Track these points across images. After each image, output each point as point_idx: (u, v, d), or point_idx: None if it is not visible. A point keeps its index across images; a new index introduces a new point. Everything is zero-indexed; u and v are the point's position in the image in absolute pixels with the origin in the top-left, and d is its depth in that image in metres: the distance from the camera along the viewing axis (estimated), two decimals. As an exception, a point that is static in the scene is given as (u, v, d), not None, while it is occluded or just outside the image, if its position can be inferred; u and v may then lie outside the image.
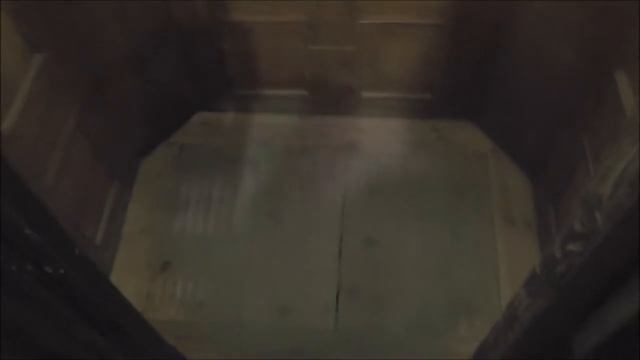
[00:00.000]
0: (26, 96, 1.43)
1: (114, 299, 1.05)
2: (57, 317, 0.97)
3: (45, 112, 1.51)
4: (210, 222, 1.94)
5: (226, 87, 2.10)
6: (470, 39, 1.82)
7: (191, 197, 1.99)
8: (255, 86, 2.10)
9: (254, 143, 2.11)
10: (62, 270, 0.87)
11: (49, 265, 0.85)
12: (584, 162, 1.57)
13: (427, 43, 1.87)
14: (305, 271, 1.84)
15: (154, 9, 1.76)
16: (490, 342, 1.01)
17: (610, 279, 0.62)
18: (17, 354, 0.95)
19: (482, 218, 1.92)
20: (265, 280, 1.83)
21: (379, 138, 2.11)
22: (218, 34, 1.88)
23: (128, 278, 1.83)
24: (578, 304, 0.67)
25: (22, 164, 1.41)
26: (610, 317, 0.66)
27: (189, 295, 1.81)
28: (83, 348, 0.99)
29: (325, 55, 1.93)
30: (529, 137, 1.93)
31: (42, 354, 0.97)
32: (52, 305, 0.93)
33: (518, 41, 1.72)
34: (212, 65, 2.01)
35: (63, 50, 1.58)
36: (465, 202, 1.95)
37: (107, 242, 1.84)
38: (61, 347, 1.02)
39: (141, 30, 1.78)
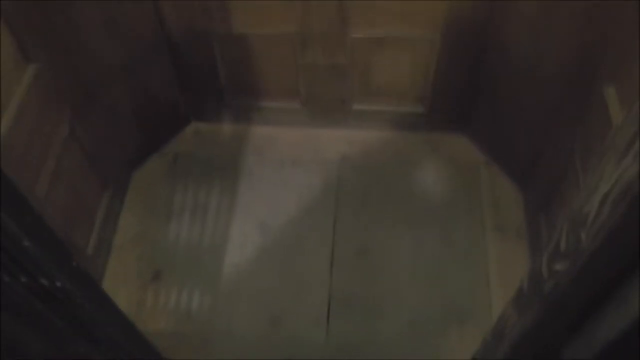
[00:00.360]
0: (19, 106, 1.43)
1: (110, 312, 1.06)
2: (50, 329, 0.97)
3: (37, 122, 1.52)
4: (202, 232, 1.95)
5: (219, 98, 2.11)
6: (460, 52, 1.85)
7: (183, 207, 2.00)
8: (248, 97, 2.11)
9: (247, 154, 2.12)
10: (58, 283, 0.87)
11: (45, 278, 0.86)
12: (573, 172, 1.59)
13: (418, 55, 1.89)
14: (296, 281, 1.85)
15: (146, 19, 1.77)
16: (480, 358, 1.03)
17: (596, 296, 0.64)
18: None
19: (473, 228, 1.94)
20: (256, 290, 1.84)
21: (371, 150, 2.13)
22: (210, 44, 1.90)
23: (119, 287, 1.83)
24: (565, 321, 0.69)
25: (14, 173, 1.42)
26: (598, 332, 0.68)
27: (180, 305, 1.81)
28: (76, 361, 0.99)
29: (317, 67, 1.95)
30: (520, 148, 1.95)
31: (35, 366, 0.97)
32: (45, 317, 0.94)
33: (507, 53, 1.74)
34: (205, 75, 2.02)
35: (55, 60, 1.59)
36: (457, 212, 1.97)
37: (98, 251, 1.84)
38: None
39: (133, 40, 1.79)
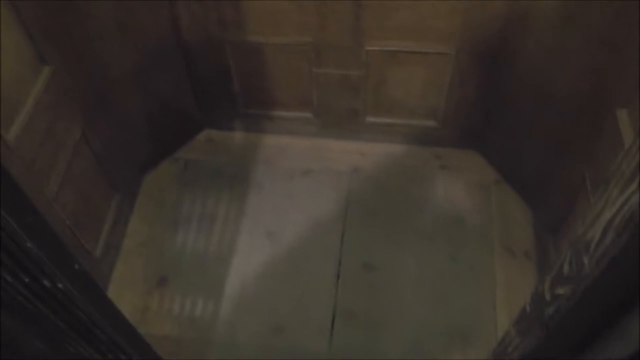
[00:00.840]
0: (33, 108, 1.45)
1: (111, 315, 1.06)
2: (51, 330, 0.98)
3: (50, 124, 1.53)
4: (210, 239, 1.95)
5: (232, 106, 2.12)
6: (474, 68, 1.84)
7: (192, 214, 2.01)
8: (261, 106, 2.12)
9: (258, 163, 2.12)
10: (60, 285, 0.88)
11: (47, 279, 0.86)
12: (584, 194, 1.58)
13: (432, 70, 1.89)
14: (302, 292, 1.84)
15: (161, 25, 1.79)
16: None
17: (599, 322, 0.63)
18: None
19: (481, 246, 1.92)
20: (261, 299, 1.84)
21: (382, 163, 2.12)
22: (224, 52, 1.91)
23: (125, 291, 1.84)
24: (567, 346, 0.68)
25: (25, 174, 1.43)
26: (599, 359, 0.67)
27: (184, 310, 1.82)
28: (75, 363, 1.00)
29: (330, 78, 1.95)
30: (531, 167, 1.94)
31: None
32: (46, 318, 0.94)
33: (520, 72, 1.74)
34: (219, 83, 2.03)
35: (70, 63, 1.61)
36: (465, 230, 1.96)
37: (106, 254, 1.85)
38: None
39: (147, 46, 1.81)
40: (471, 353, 1.73)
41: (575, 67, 1.55)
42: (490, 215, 1.99)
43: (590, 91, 1.54)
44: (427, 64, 1.86)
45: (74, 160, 1.64)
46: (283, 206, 2.02)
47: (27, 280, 0.84)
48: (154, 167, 2.12)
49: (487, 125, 2.01)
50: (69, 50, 1.59)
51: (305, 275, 1.88)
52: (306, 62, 1.91)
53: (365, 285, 1.86)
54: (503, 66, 1.78)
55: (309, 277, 1.87)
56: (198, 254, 1.92)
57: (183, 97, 2.06)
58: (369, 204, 2.02)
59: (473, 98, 1.95)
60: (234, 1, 1.74)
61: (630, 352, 0.56)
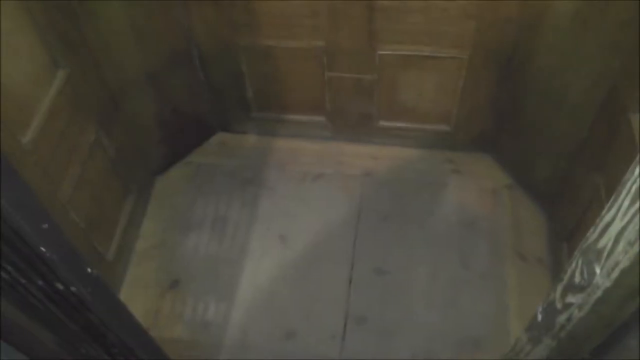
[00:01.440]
0: (47, 111, 1.46)
1: (123, 317, 1.07)
2: (64, 331, 0.99)
3: (64, 127, 1.55)
4: (222, 243, 1.96)
5: (245, 110, 2.13)
6: (487, 73, 1.83)
7: (205, 217, 2.02)
8: (274, 110, 2.13)
9: (271, 166, 2.13)
10: (73, 288, 0.88)
11: (61, 283, 0.87)
12: (598, 200, 1.56)
13: (445, 75, 1.88)
14: (314, 297, 1.84)
15: (174, 29, 1.80)
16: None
17: (609, 332, 0.62)
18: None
19: (493, 252, 1.91)
20: (272, 303, 1.84)
21: (394, 167, 2.12)
22: (237, 56, 1.92)
23: (137, 294, 1.85)
24: (577, 355, 0.67)
25: (40, 177, 1.45)
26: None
27: (196, 314, 1.82)
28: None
29: (343, 82, 1.95)
30: (544, 172, 1.92)
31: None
32: (60, 320, 0.95)
33: (531, 74, 1.73)
34: (232, 86, 2.04)
35: (84, 67, 1.62)
36: (477, 235, 1.95)
37: (119, 257, 1.86)
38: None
39: (160, 50, 1.82)
40: (483, 359, 1.71)
41: (588, 71, 1.54)
42: (503, 221, 1.98)
43: (604, 96, 1.53)
44: (440, 68, 1.86)
45: (88, 163, 1.66)
46: (295, 210, 2.02)
47: (40, 283, 0.86)
48: (166, 170, 2.13)
49: (500, 129, 2.00)
50: (83, 54, 1.60)
51: (317, 279, 1.88)
52: (319, 66, 1.91)
53: (377, 290, 1.85)
54: (515, 70, 1.77)
55: (321, 281, 1.87)
56: (210, 257, 1.93)
57: (196, 101, 2.07)
58: (381, 209, 2.02)
59: (485, 102, 1.94)
60: (247, 5, 1.75)
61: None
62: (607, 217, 0.58)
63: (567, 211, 1.79)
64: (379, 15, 1.71)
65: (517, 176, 2.05)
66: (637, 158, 0.53)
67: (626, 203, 0.54)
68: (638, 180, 0.52)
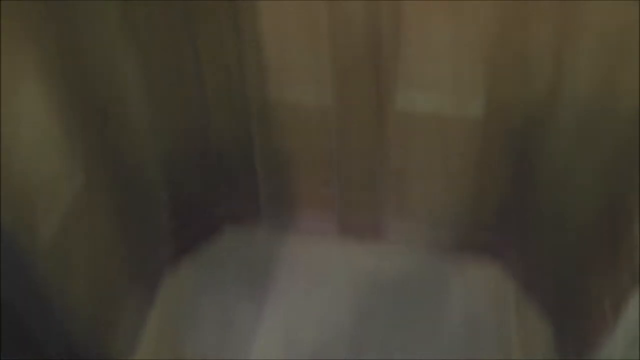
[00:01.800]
0: (68, 211, 1.48)
1: None
2: None
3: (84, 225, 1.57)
4: (225, 347, 1.93)
5: (257, 205, 2.16)
6: (494, 172, 1.87)
7: (208, 317, 1.99)
8: (287, 207, 2.16)
9: (281, 265, 2.13)
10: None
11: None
12: (603, 320, 1.54)
13: (452, 179, 1.92)
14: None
15: (191, 127, 1.87)
16: None
17: None
18: None
19: (499, 360, 1.88)
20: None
21: (400, 269, 2.12)
22: (252, 153, 1.98)
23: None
24: None
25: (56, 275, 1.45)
26: None
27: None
28: None
29: (352, 179, 2.01)
30: (553, 284, 1.91)
31: None
32: None
33: (538, 180, 1.75)
34: (243, 181, 2.09)
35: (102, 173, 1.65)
36: (483, 344, 1.92)
37: (120, 355, 1.83)
38: None
39: (174, 144, 1.88)
40: None
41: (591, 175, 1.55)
42: (509, 332, 1.95)
43: (607, 203, 1.53)
44: (447, 173, 1.90)
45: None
46: (302, 313, 2.01)
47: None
48: (173, 265, 2.13)
49: (510, 235, 2.01)
50: (101, 163, 1.64)
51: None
52: (328, 165, 1.97)
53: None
54: (522, 170, 1.79)
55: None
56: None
57: (206, 194, 2.09)
58: (386, 313, 2.00)
59: (494, 205, 1.95)
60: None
61: None
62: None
63: (576, 327, 1.75)
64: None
65: (525, 285, 2.01)
66: None
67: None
68: None
